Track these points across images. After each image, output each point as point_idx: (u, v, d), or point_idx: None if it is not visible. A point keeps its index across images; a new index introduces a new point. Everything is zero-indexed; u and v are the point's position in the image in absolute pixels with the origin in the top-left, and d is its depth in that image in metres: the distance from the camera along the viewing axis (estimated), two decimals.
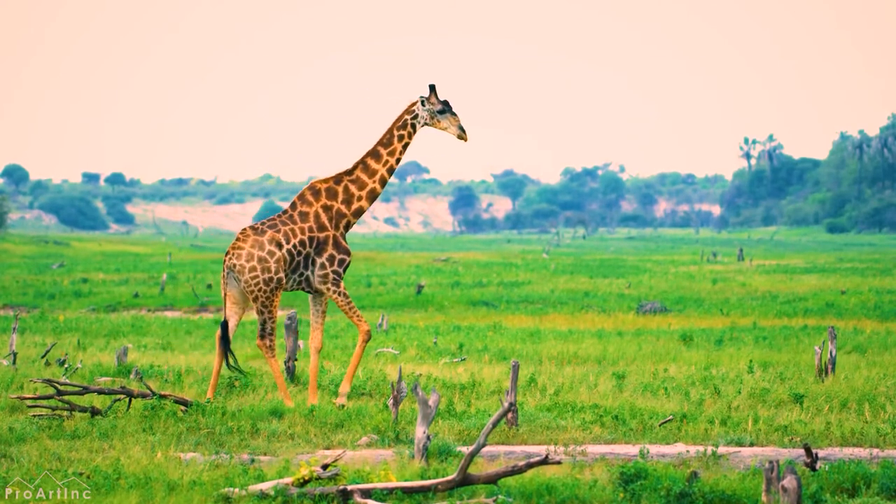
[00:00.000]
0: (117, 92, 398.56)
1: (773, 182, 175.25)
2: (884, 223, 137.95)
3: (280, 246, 15.93)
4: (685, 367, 20.27)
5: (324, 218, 16.18)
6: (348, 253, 16.20)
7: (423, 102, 16.21)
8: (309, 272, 16.12)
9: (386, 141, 16.35)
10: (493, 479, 10.92)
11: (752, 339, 25.37)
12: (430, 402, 11.98)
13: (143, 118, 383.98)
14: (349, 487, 10.69)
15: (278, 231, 16.01)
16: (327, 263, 16.08)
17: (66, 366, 19.15)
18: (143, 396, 15.10)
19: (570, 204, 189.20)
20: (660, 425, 14.65)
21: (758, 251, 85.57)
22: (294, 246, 16.00)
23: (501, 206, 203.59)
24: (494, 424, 11.10)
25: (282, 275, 15.92)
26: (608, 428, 14.62)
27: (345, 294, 16.08)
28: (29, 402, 14.93)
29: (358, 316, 16.12)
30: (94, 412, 14.81)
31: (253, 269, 15.83)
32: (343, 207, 16.25)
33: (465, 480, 10.85)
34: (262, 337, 15.95)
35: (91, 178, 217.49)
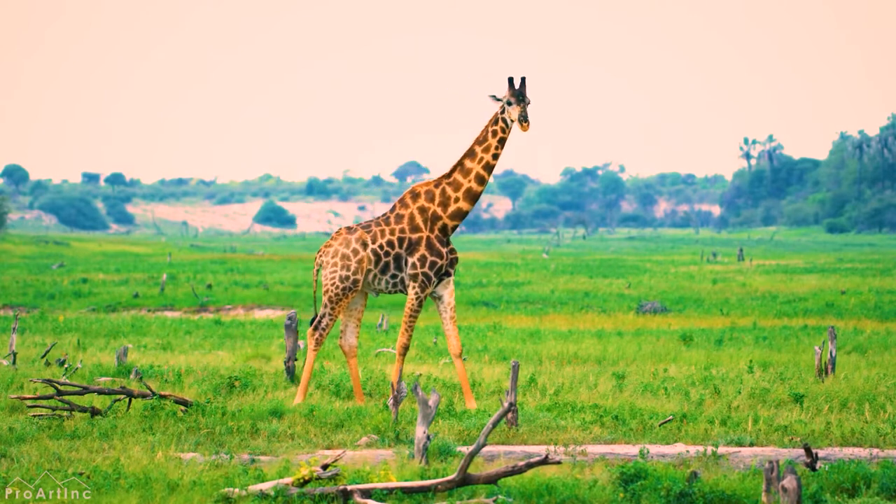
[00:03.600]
0: (117, 92, 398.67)
1: (772, 182, 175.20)
2: (884, 223, 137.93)
3: (365, 245, 16.02)
4: (685, 367, 20.26)
5: (419, 219, 16.13)
6: (441, 256, 16.08)
7: (495, 98, 16.06)
8: (404, 274, 16.11)
9: (481, 139, 16.20)
10: (493, 479, 10.91)
11: (752, 339, 25.37)
12: (430, 403, 11.97)
13: (143, 118, 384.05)
14: (349, 487, 10.69)
15: (369, 231, 16.10)
16: (418, 264, 16.04)
17: (66, 366, 19.14)
18: (143, 396, 15.09)
19: (570, 204, 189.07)
20: (660, 425, 14.64)
21: (758, 251, 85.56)
22: (381, 246, 16.02)
23: (501, 206, 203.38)
24: (494, 424, 11.10)
25: (359, 276, 15.96)
26: (608, 428, 14.61)
27: (420, 303, 16.01)
28: (29, 402, 14.93)
29: (408, 327, 16.08)
30: (94, 412, 14.80)
31: (334, 264, 16.04)
32: (439, 210, 16.15)
33: (465, 480, 10.85)
34: (315, 329, 16.18)
35: (91, 178, 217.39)
